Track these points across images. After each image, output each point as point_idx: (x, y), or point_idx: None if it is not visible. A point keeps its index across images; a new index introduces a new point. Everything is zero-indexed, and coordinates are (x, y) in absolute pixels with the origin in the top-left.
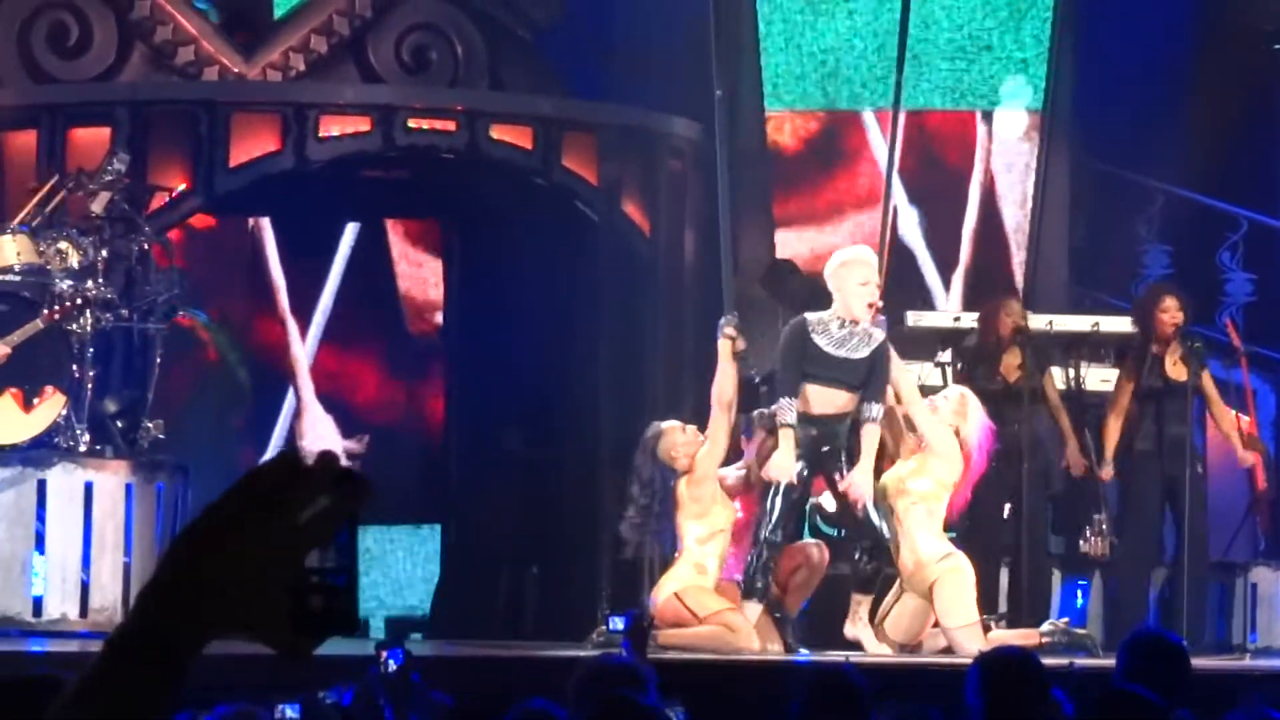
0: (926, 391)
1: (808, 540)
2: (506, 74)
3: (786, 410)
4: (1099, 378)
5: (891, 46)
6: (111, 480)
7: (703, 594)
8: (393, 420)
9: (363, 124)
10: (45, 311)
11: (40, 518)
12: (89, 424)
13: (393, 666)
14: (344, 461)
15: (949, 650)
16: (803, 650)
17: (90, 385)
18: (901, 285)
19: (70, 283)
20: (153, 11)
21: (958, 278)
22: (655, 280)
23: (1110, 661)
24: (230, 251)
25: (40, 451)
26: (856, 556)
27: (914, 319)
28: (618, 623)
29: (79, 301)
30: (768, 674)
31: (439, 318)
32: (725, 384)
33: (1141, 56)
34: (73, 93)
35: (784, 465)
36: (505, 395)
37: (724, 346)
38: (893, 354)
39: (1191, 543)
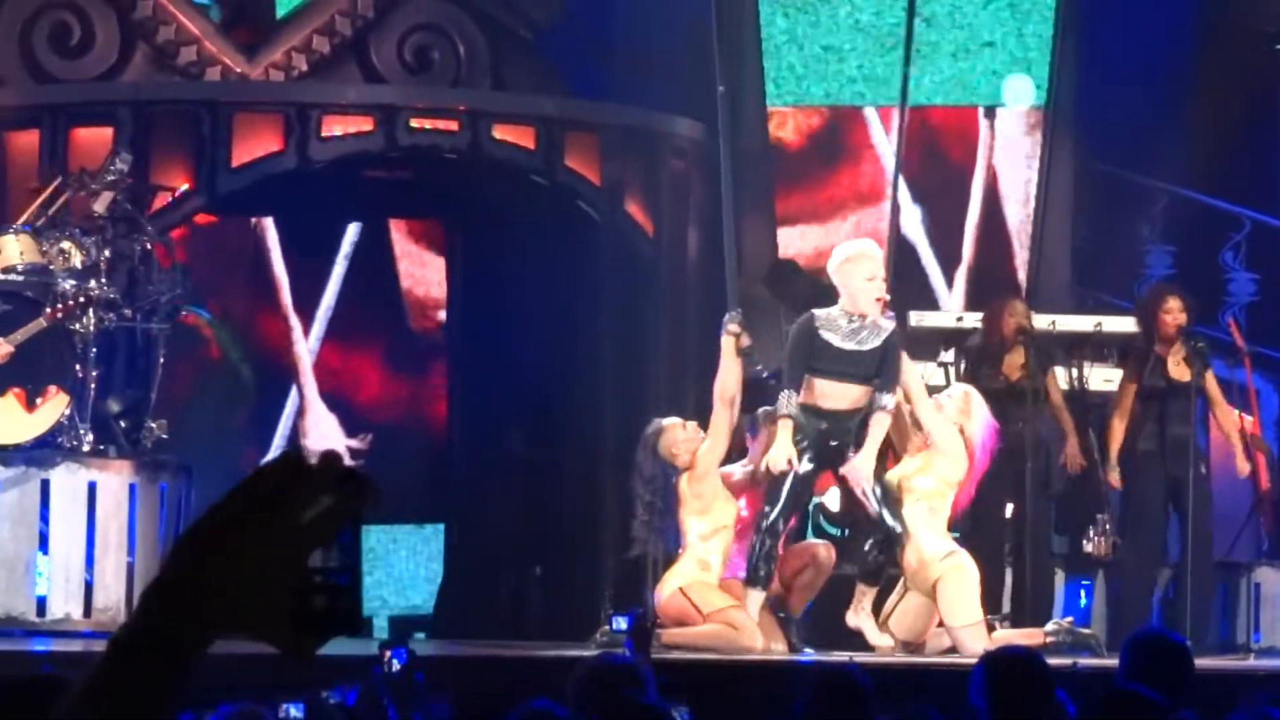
0: (930, 391)
1: (815, 540)
2: (508, 74)
3: (784, 402)
4: (1102, 378)
5: (894, 42)
6: (115, 480)
7: (707, 590)
8: (395, 419)
9: (365, 124)
10: (48, 310)
11: (44, 517)
12: (92, 424)
13: (396, 666)
14: (347, 460)
15: (952, 650)
16: (807, 650)
17: (93, 385)
18: (904, 282)
19: (73, 282)
20: (155, 11)
21: (960, 275)
22: (657, 280)
23: (1114, 662)
24: (233, 248)
25: (44, 451)
26: (866, 548)
27: (917, 319)
28: (621, 622)
29: (82, 300)
30: (772, 674)
31: (442, 315)
32: (728, 380)
33: (1143, 57)
34: (75, 93)
35: (780, 454)
36: (508, 396)
37: (727, 343)
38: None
39: (1195, 543)
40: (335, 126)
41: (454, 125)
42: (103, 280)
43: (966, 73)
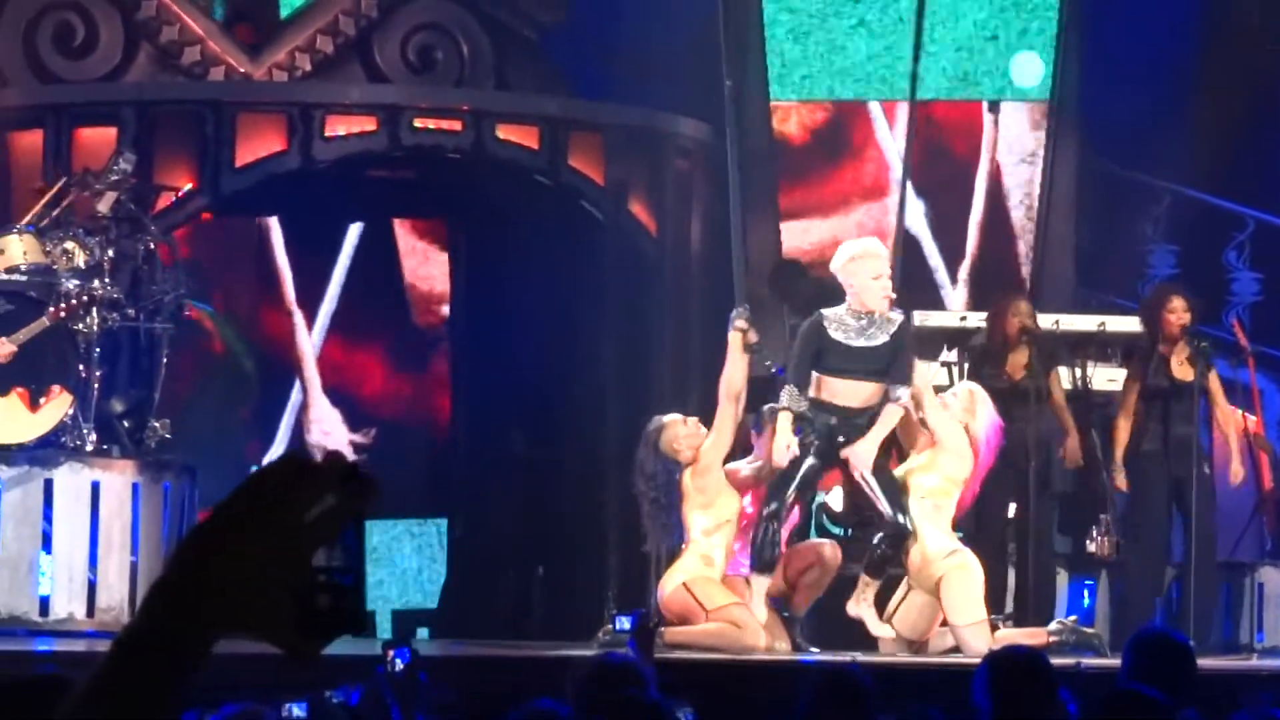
0: (935, 391)
1: (821, 540)
2: (512, 74)
3: (784, 397)
4: (1105, 377)
5: (899, 36)
6: (118, 480)
7: (710, 586)
8: (399, 414)
9: (369, 124)
10: (51, 310)
11: (47, 517)
12: (95, 423)
13: (400, 666)
14: (350, 456)
15: (955, 649)
16: (812, 649)
17: (97, 385)
18: (908, 277)
19: (77, 282)
20: (159, 11)
21: (964, 270)
22: (661, 281)
23: (1117, 662)
24: (237, 243)
25: (47, 451)
26: (875, 541)
27: (920, 319)
28: (624, 622)
29: (85, 300)
30: (775, 674)
31: (445, 310)
32: (735, 376)
33: (1147, 56)
34: (79, 93)
35: (780, 443)
36: (511, 396)
37: (734, 339)
38: None
39: (1198, 543)
40: (339, 126)
41: (458, 125)
42: (106, 280)
43: (971, 68)
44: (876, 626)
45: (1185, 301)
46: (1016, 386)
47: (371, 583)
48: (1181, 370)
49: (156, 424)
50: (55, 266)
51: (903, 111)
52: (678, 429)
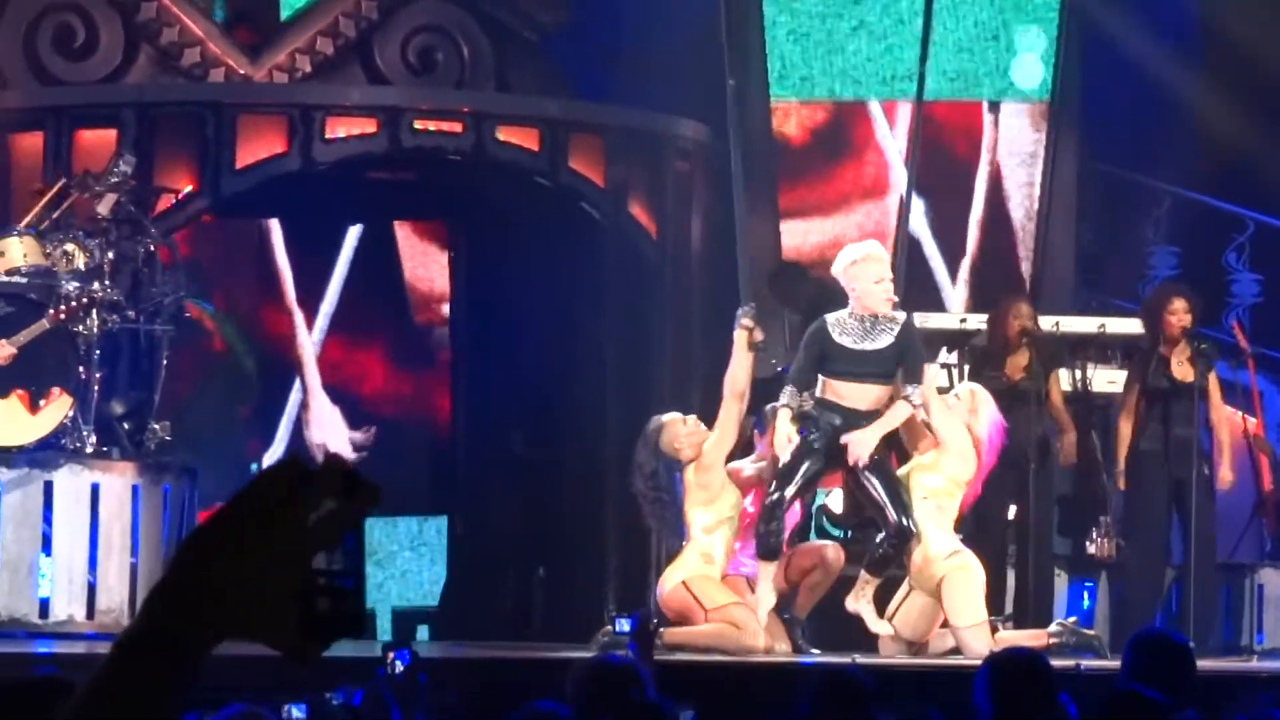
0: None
1: (824, 542)
2: (512, 76)
3: (784, 396)
4: (1106, 379)
5: (899, 37)
6: (118, 482)
7: (710, 584)
8: (399, 413)
9: (369, 126)
10: (51, 312)
11: (47, 519)
12: (95, 425)
13: (400, 667)
14: (351, 454)
15: (955, 651)
16: (813, 651)
17: (97, 387)
18: (907, 276)
19: (77, 284)
20: (159, 13)
21: (964, 269)
22: (661, 282)
23: (1117, 663)
24: (237, 241)
25: (47, 453)
26: (878, 539)
27: (920, 320)
28: (624, 624)
29: (85, 302)
30: (776, 675)
31: (445, 309)
32: (739, 374)
33: (1147, 56)
34: (79, 95)
35: (780, 436)
36: (511, 397)
37: (740, 336)
38: None
39: (1198, 544)
40: (339, 128)
41: (458, 127)
42: (106, 282)
43: (971, 68)
44: (875, 623)
45: (1186, 303)
46: (1016, 388)
47: (371, 584)
48: (1182, 371)
49: (156, 426)
50: (55, 268)
51: (903, 112)
52: (678, 428)
